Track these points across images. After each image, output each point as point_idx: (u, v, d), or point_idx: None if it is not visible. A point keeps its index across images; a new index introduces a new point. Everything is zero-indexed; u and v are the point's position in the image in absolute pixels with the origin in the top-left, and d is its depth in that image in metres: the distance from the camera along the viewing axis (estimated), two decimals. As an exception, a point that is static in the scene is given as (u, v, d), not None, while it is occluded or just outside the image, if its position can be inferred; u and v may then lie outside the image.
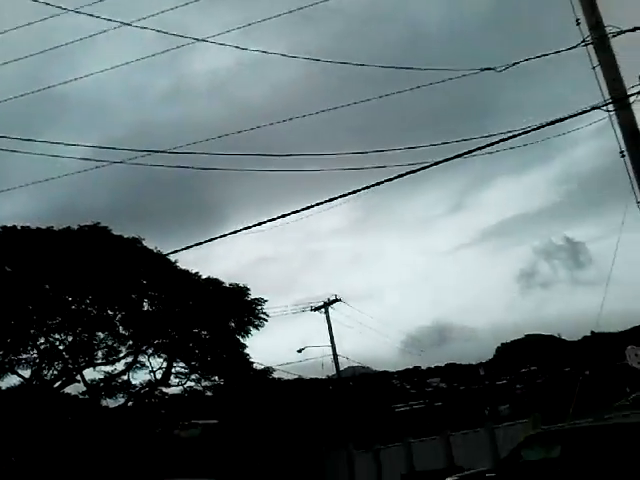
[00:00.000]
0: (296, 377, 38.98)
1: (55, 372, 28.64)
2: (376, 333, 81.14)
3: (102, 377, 29.28)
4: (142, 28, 12.12)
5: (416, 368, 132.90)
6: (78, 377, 28.92)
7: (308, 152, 12.05)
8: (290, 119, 14.05)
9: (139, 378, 30.56)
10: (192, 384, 31.53)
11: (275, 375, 34.22)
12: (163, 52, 13.30)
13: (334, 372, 39.95)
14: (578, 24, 11.72)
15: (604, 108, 11.25)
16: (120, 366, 29.60)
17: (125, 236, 28.27)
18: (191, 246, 12.80)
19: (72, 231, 27.54)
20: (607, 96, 11.32)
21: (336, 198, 11.30)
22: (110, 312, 28.84)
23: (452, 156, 10.94)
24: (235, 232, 12.31)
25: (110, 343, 29.06)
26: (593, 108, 11.06)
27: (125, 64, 13.94)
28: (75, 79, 14.10)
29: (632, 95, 11.07)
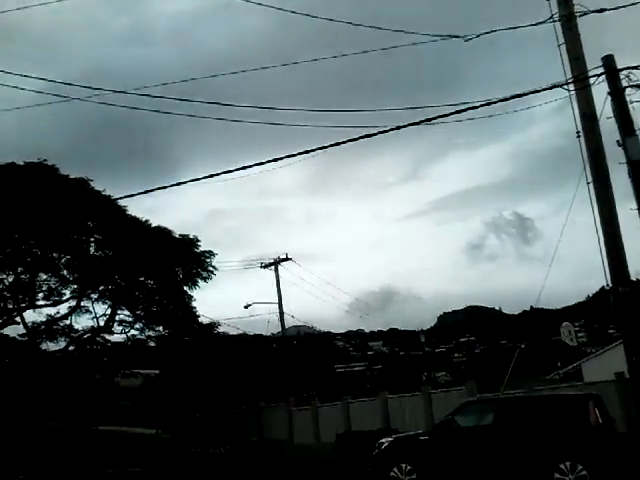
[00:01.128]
0: (241, 332, 39.12)
1: (-7, 312, 27.89)
2: (323, 294, 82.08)
3: (43, 320, 28.69)
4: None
5: (359, 331, 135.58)
6: (18, 318, 28.26)
7: (267, 105, 11.76)
8: (250, 70, 13.72)
9: (82, 323, 30.09)
10: (136, 333, 31.29)
11: (220, 330, 34.16)
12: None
13: (279, 330, 40.24)
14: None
15: (565, 87, 11.34)
16: (63, 309, 29.05)
17: (73, 176, 27.36)
18: (142, 192, 12.49)
19: (17, 167, 26.46)
20: (569, 75, 11.41)
21: (291, 156, 11.11)
22: (54, 254, 28.09)
23: (410, 123, 10.87)
24: (188, 182, 12.04)
25: (53, 285, 28.40)
26: (554, 86, 11.12)
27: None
28: (31, 6, 13.32)
29: (593, 76, 11.18)
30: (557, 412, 12.91)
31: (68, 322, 29.37)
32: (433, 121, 11.07)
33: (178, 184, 12.42)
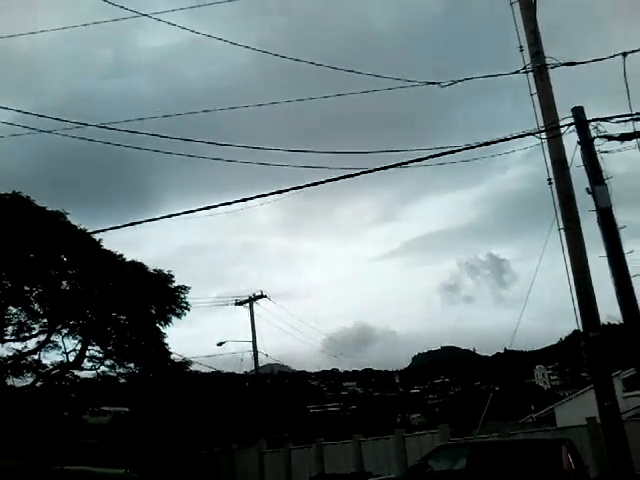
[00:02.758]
0: (213, 370, 38.56)
1: (-41, 345, 27.16)
2: (298, 332, 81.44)
3: (11, 354, 27.98)
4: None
5: (334, 370, 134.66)
6: (-16, 352, 27.54)
7: (245, 144, 11.86)
8: (230, 108, 13.87)
9: (51, 358, 29.42)
10: (106, 369, 30.64)
11: (193, 367, 33.66)
12: (107, 22, 12.80)
13: (253, 368, 39.76)
14: (521, 50, 12.12)
15: (537, 135, 11.64)
16: (31, 344, 28.39)
17: (48, 209, 27.09)
18: (117, 227, 12.39)
19: (-10, 198, 26.16)
20: (541, 123, 11.73)
21: (263, 195, 11.17)
22: (26, 287, 27.59)
23: (388, 165, 11.02)
24: (163, 217, 12.00)
25: (22, 319, 27.80)
26: (527, 134, 11.42)
27: (65, 28, 13.35)
28: (11, 36, 13.37)
29: (564, 126, 11.50)
30: (530, 457, 12.88)
31: (36, 357, 28.73)
32: (409, 164, 11.24)
33: (152, 220, 12.35)
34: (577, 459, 12.83)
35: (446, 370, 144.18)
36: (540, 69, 11.84)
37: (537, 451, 13.17)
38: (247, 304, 38.68)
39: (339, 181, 11.09)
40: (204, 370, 36.96)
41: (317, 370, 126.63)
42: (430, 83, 12.37)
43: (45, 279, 27.48)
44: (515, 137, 11.19)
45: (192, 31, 12.61)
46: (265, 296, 38.68)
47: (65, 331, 28.94)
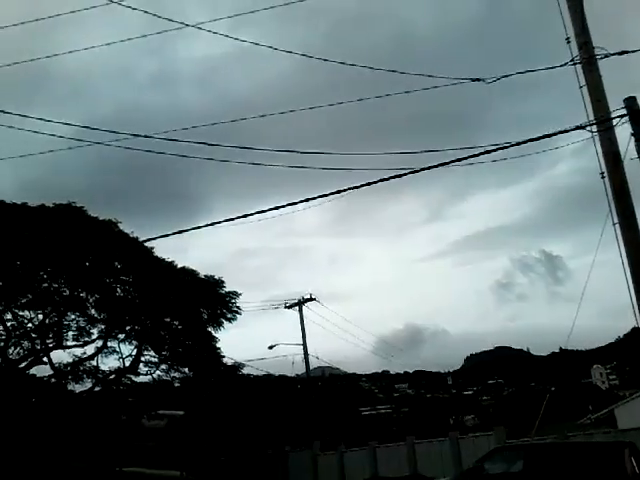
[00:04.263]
0: (265, 373, 38.88)
1: (22, 351, 28.17)
2: (348, 334, 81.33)
3: (70, 360, 28.88)
4: (133, 9, 11.93)
5: (385, 372, 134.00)
6: (45, 359, 28.48)
7: (292, 149, 11.93)
8: (276, 114, 13.99)
9: (108, 363, 30.21)
10: (161, 374, 31.24)
11: (245, 370, 34.05)
12: (152, 34, 13.09)
13: (304, 371, 39.92)
14: (568, 42, 11.81)
15: (588, 128, 11.33)
16: (90, 350, 29.23)
17: (101, 218, 27.89)
18: (168, 235, 12.64)
19: (47, 208, 27.06)
20: (592, 116, 11.41)
21: (316, 197, 11.23)
22: (82, 294, 28.44)
23: (433, 165, 10.94)
24: (214, 224, 12.19)
25: (81, 325, 28.67)
26: (577, 127, 11.13)
27: (113, 43, 13.73)
28: (61, 54, 13.87)
29: (615, 118, 11.17)
30: (590, 460, 12.52)
31: (94, 363, 29.55)
32: (457, 163, 11.13)
33: (199, 227, 12.58)
34: (640, 462, 12.40)
35: (500, 371, 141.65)
36: (589, 60, 11.52)
37: (598, 454, 12.79)
38: (297, 307, 38.89)
39: (385, 182, 11.09)
40: (256, 373, 37.37)
41: (368, 372, 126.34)
42: (475, 80, 12.20)
43: (101, 286, 28.27)
44: (565, 131, 10.93)
45: (236, 39, 12.80)
46: (314, 299, 38.82)
47: (121, 337, 29.66)
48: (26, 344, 28.18)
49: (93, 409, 28.77)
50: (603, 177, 11.55)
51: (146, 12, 11.34)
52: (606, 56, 11.38)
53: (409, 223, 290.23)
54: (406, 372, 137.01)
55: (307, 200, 11.35)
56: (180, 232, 12.51)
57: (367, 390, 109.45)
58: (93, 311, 28.86)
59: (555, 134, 10.57)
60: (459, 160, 11.04)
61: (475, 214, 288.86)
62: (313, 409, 36.90)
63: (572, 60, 11.68)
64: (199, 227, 12.56)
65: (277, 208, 11.61)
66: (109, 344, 29.51)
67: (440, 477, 18.62)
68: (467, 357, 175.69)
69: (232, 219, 11.95)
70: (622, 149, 11.33)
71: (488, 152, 10.95)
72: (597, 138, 11.54)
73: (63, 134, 12.57)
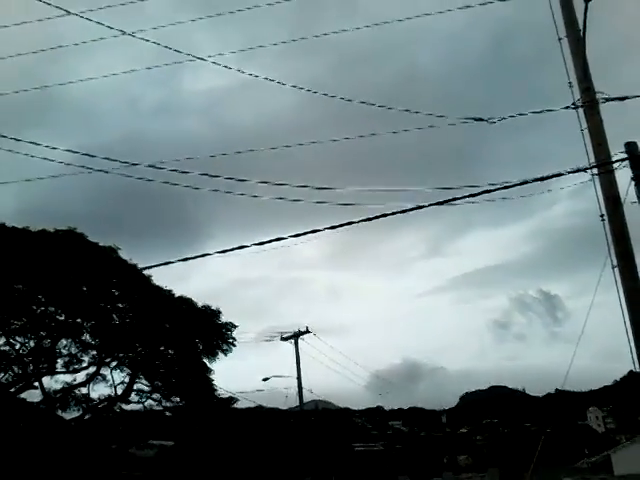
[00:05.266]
0: (258, 405, 38.46)
1: (13, 376, 27.88)
2: (343, 369, 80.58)
3: (61, 387, 28.57)
4: (143, 40, 12.16)
5: (379, 408, 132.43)
6: (36, 384, 28.18)
7: (292, 183, 12.07)
8: (282, 147, 14.15)
9: (99, 391, 29.87)
10: (153, 403, 30.87)
11: (238, 403, 33.71)
12: (160, 66, 13.34)
13: (297, 404, 39.49)
14: (570, 87, 12.03)
15: (588, 171, 11.45)
16: (80, 377, 28.94)
17: (101, 244, 27.93)
18: (167, 263, 12.65)
19: (48, 233, 27.10)
20: (592, 159, 11.55)
21: (314, 232, 11.31)
22: (78, 320, 28.29)
23: (433, 203, 11.05)
24: (211, 254, 12.21)
25: (73, 351, 28.43)
26: (578, 170, 11.26)
27: (122, 73, 13.95)
28: (70, 82, 14.07)
29: (616, 162, 11.30)
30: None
31: (85, 390, 29.23)
32: (457, 201, 11.22)
33: (202, 256, 12.61)
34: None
35: (495, 410, 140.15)
36: (590, 104, 11.71)
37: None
38: (292, 340, 38.68)
39: (386, 218, 11.16)
40: (249, 405, 36.97)
41: (362, 407, 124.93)
42: (478, 119, 12.38)
43: (97, 312, 28.15)
44: (567, 173, 11.06)
45: (248, 73, 13.00)
46: (310, 332, 38.66)
47: (114, 364, 29.42)
48: (17, 369, 27.93)
49: (82, 437, 28.37)
50: (603, 219, 11.61)
51: (157, 44, 11.53)
52: (607, 100, 11.57)
53: (408, 258, 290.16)
54: (400, 409, 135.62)
55: (295, 236, 11.43)
56: (180, 261, 12.53)
57: (360, 426, 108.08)
58: (88, 337, 28.70)
59: (556, 175, 10.70)
60: (459, 198, 11.15)
61: (474, 251, 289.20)
62: (306, 443, 36.42)
63: (574, 104, 11.87)
64: (196, 257, 12.58)
65: (279, 239, 11.67)
66: (101, 371, 29.28)
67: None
68: (462, 395, 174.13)
69: (225, 250, 12.01)
70: (622, 192, 11.44)
71: (488, 191, 11.06)
72: (597, 180, 11.65)
73: (65, 160, 12.70)
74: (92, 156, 12.46)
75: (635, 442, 30.25)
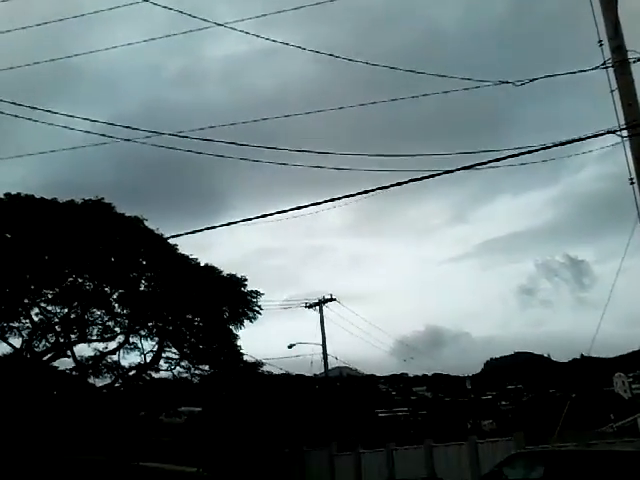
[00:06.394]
0: (284, 372, 38.97)
1: (46, 344, 28.61)
2: (368, 336, 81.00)
3: (92, 355, 29.24)
4: (162, 7, 12.07)
5: (403, 375, 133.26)
6: (68, 352, 28.89)
7: (315, 149, 11.98)
8: (300, 114, 14.05)
9: (129, 359, 30.59)
10: (181, 370, 31.47)
11: (264, 369, 34.18)
12: (180, 34, 13.24)
13: (322, 371, 39.95)
14: (601, 45, 11.69)
15: (618, 133, 11.21)
16: (112, 345, 29.57)
17: (128, 214, 28.25)
18: (192, 232, 12.76)
19: (76, 204, 27.50)
20: (622, 121, 11.28)
21: (338, 198, 11.26)
22: (107, 289, 28.80)
23: (457, 168, 10.91)
24: (237, 222, 12.27)
25: (106, 321, 29.02)
26: (608, 132, 11.02)
27: (142, 42, 13.91)
28: (91, 52, 14.08)
29: (647, 122, 11.04)
30: (613, 469, 12.38)
31: (116, 358, 29.89)
32: (486, 166, 11.08)
33: (228, 224, 12.68)
34: (664, 472, 12.23)
35: (519, 376, 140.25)
36: (621, 64, 11.39)
37: (621, 463, 12.65)
38: (317, 307, 38.94)
39: (409, 183, 11.07)
40: (275, 372, 37.47)
41: (387, 374, 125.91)
42: (503, 82, 12.14)
43: (125, 282, 28.60)
44: (595, 136, 10.83)
45: (266, 39, 12.88)
46: (335, 299, 38.84)
47: (143, 333, 29.97)
48: (51, 338, 28.63)
49: (113, 404, 29.08)
50: (632, 183, 11.41)
51: (178, 11, 11.45)
52: (639, 60, 11.26)
53: (432, 225, 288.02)
54: (425, 375, 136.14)
55: (321, 203, 11.37)
56: (205, 230, 12.64)
57: (385, 392, 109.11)
58: (117, 306, 29.24)
59: (585, 138, 10.49)
60: (484, 163, 10.99)
61: (499, 217, 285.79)
62: (331, 409, 36.90)
63: (604, 63, 11.56)
64: (222, 225, 12.67)
65: (300, 208, 11.65)
66: (131, 339, 29.87)
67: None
68: (487, 361, 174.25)
69: (251, 218, 12.04)
70: (653, 155, 11.19)
71: (513, 156, 10.88)
72: (627, 143, 11.40)
73: (90, 130, 12.77)
74: (118, 125, 12.50)
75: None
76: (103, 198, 27.86)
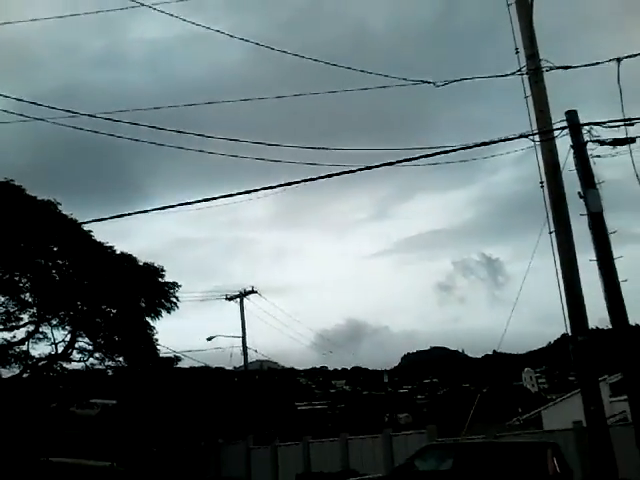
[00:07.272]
0: (202, 365, 38.47)
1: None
2: (288, 329, 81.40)
3: (-2, 344, 27.80)
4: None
5: (323, 368, 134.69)
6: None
7: (238, 138, 11.80)
8: (227, 101, 13.81)
9: (39, 349, 29.22)
10: (95, 362, 30.42)
11: (183, 362, 33.66)
12: (103, 12, 12.72)
13: (242, 364, 39.70)
14: (517, 53, 12.12)
15: (530, 137, 11.64)
16: (20, 334, 28.20)
17: (40, 198, 26.94)
18: (108, 218, 12.31)
19: (-19, 185, 26.00)
20: (535, 126, 11.73)
21: (255, 190, 11.17)
22: (16, 277, 27.43)
23: (381, 164, 11.04)
24: (154, 210, 11.97)
25: (11, 309, 27.62)
26: (521, 136, 11.43)
27: (61, 17, 13.24)
28: (6, 23, 13.26)
29: (557, 129, 11.52)
30: (516, 459, 12.93)
31: (24, 347, 28.55)
32: (403, 163, 11.23)
33: (144, 211, 12.33)
34: (562, 462, 12.89)
35: (435, 370, 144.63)
36: (535, 72, 11.85)
37: (523, 453, 13.23)
38: (237, 299, 38.64)
39: (332, 178, 11.10)
40: (193, 364, 36.93)
41: (306, 368, 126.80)
42: (424, 82, 12.36)
43: (35, 269, 27.33)
44: (509, 139, 11.22)
45: (193, 23, 12.54)
46: (256, 292, 38.66)
47: (55, 322, 28.76)
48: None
49: (21, 395, 27.81)
50: (542, 186, 11.89)
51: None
52: (551, 69, 11.73)
53: (355, 220, 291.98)
54: (344, 368, 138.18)
55: (247, 192, 11.25)
56: (119, 216, 12.21)
57: (305, 385, 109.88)
58: (27, 295, 27.93)
59: (499, 141, 10.84)
60: (411, 159, 11.14)
61: (420, 215, 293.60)
62: (249, 402, 36.75)
63: (519, 70, 11.99)
64: (138, 212, 12.29)
65: (224, 197, 11.47)
66: (41, 329, 28.60)
67: (372, 473, 18.83)
68: (404, 355, 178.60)
69: (170, 206, 11.78)
70: (562, 160, 11.71)
71: (427, 156, 11.07)
72: (539, 148, 11.88)
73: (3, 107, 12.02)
74: (36, 104, 11.77)
75: (563, 400, 31.82)
76: (13, 180, 26.47)
